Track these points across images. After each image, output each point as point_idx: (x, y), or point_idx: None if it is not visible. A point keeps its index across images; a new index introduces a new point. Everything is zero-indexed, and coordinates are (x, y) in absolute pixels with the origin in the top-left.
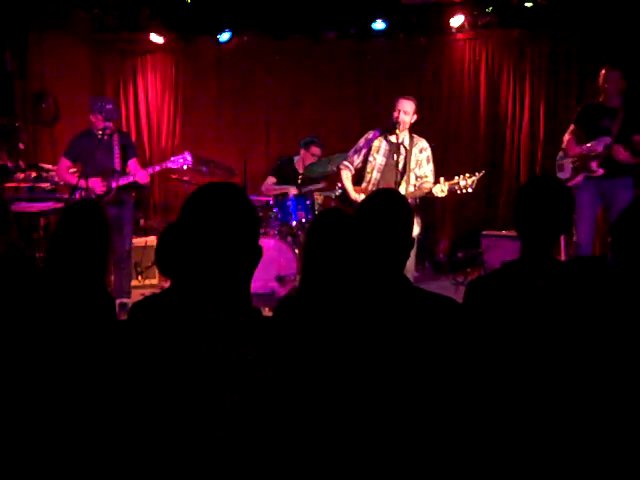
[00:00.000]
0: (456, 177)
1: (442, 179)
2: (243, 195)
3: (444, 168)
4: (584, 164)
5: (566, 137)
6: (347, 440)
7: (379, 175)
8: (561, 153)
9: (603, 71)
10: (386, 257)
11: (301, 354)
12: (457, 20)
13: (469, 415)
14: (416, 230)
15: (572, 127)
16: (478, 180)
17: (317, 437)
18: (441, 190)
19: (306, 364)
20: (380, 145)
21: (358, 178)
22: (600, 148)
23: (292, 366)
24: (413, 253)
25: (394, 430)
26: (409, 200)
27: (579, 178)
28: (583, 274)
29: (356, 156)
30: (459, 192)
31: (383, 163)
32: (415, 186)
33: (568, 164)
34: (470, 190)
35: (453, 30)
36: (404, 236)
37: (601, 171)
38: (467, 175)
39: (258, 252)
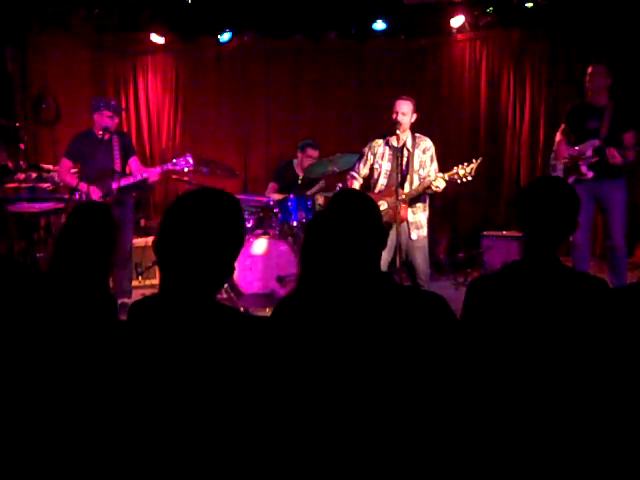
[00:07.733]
0: (455, 167)
1: (441, 173)
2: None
3: (444, 168)
4: (574, 166)
5: (557, 137)
6: (339, 436)
7: (386, 181)
8: (553, 154)
9: (590, 69)
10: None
11: (296, 352)
12: (458, 20)
13: (467, 414)
14: (424, 231)
15: (563, 126)
16: (477, 167)
17: (308, 433)
18: (442, 179)
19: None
20: (384, 151)
21: (367, 186)
22: (589, 151)
23: (285, 364)
24: (424, 253)
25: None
26: (408, 199)
27: (570, 180)
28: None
29: (362, 165)
30: (459, 181)
31: (389, 168)
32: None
33: (560, 165)
34: (470, 178)
35: (454, 30)
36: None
37: (591, 174)
38: (465, 164)
39: (239, 240)
